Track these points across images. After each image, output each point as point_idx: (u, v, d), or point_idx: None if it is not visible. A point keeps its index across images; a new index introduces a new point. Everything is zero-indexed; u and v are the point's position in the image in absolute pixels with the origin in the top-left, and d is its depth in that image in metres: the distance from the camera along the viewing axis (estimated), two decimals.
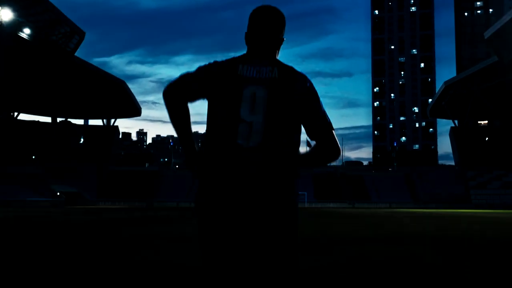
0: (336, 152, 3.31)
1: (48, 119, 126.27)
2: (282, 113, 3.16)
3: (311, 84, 3.30)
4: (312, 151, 3.34)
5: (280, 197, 3.09)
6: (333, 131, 3.31)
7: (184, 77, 3.27)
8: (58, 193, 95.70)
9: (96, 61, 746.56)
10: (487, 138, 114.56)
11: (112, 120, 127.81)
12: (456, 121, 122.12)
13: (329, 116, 3.34)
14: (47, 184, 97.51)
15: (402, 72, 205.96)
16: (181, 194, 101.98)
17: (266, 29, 3.32)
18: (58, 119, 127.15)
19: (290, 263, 3.11)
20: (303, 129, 3.33)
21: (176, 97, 3.24)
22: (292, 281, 3.10)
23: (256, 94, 3.15)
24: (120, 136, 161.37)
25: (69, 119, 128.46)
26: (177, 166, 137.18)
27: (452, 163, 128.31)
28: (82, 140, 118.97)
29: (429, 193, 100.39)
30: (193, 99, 3.28)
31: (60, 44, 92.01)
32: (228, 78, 3.19)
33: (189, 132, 3.32)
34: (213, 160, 3.15)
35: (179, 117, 3.28)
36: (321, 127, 3.28)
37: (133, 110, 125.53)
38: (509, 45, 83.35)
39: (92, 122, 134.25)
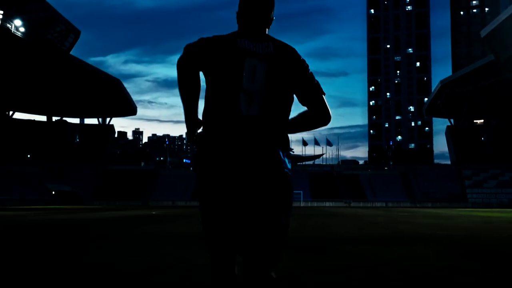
0: (328, 116, 3.59)
1: (43, 118, 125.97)
2: (279, 84, 3.45)
3: (301, 57, 3.57)
4: (305, 114, 3.62)
5: (276, 162, 3.40)
6: (324, 96, 3.60)
7: (190, 46, 3.52)
8: (53, 192, 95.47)
9: (92, 60, 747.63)
10: (483, 137, 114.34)
11: (108, 119, 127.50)
12: (452, 120, 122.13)
13: None
14: (42, 183, 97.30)
15: (398, 71, 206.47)
16: (177, 193, 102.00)
17: (259, 10, 3.53)
18: (54, 118, 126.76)
19: (287, 209, 3.43)
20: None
21: (186, 64, 3.50)
22: (283, 228, 3.39)
23: (256, 67, 3.39)
24: (116, 135, 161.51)
25: (64, 118, 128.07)
26: (170, 166, 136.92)
27: (448, 162, 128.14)
28: (77, 139, 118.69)
29: (425, 192, 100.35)
30: (199, 67, 3.51)
31: (55, 43, 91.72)
32: (229, 50, 3.43)
33: (195, 100, 3.60)
34: (216, 124, 3.41)
35: (187, 83, 3.54)
36: (313, 93, 3.56)
37: (129, 109, 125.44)
38: (506, 43, 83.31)
39: (87, 121, 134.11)
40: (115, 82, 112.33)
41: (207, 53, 3.43)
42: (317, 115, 3.58)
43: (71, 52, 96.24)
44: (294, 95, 3.60)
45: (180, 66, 3.51)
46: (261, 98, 3.37)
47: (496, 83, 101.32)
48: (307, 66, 3.57)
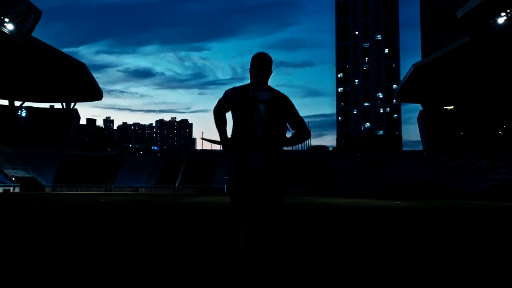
0: (308, 134, 5.57)
1: (5, 102, 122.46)
2: (275, 120, 5.37)
3: (290, 99, 5.54)
4: (294, 135, 5.54)
5: (277, 163, 5.36)
6: (305, 123, 5.57)
7: (221, 101, 5.39)
8: (13, 178, 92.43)
9: (64, 51, 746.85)
10: (457, 122, 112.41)
11: (72, 104, 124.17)
12: (423, 105, 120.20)
13: None
14: (1, 169, 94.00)
15: (367, 58, 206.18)
16: (141, 179, 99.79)
17: (264, 68, 5.56)
18: (16, 103, 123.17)
19: (282, 195, 5.48)
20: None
21: (218, 111, 5.36)
22: (282, 206, 5.48)
23: (261, 109, 5.31)
24: (85, 123, 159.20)
25: (27, 103, 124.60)
26: (141, 153, 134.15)
27: (416, 149, 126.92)
28: (40, 123, 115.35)
29: (398, 179, 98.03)
30: (227, 111, 5.40)
31: (15, 23, 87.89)
32: (244, 99, 5.34)
33: (225, 128, 5.38)
34: (239, 144, 5.30)
35: (220, 121, 5.35)
36: (299, 123, 5.53)
37: (94, 94, 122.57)
38: (482, 25, 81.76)
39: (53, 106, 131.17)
40: (79, 66, 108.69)
41: (231, 101, 5.36)
42: (302, 135, 5.54)
43: (32, 34, 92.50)
44: (287, 123, 5.55)
45: (215, 112, 5.35)
46: (264, 127, 5.27)
47: (470, 67, 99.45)
48: (293, 105, 5.52)
